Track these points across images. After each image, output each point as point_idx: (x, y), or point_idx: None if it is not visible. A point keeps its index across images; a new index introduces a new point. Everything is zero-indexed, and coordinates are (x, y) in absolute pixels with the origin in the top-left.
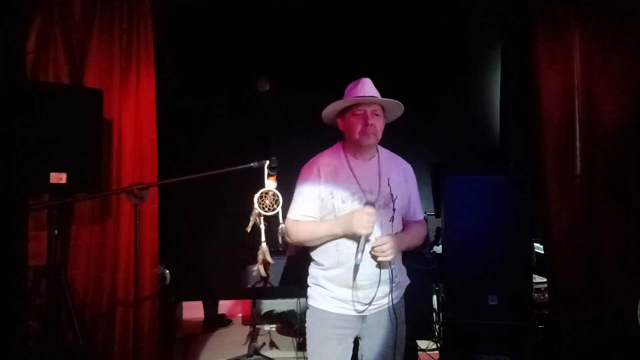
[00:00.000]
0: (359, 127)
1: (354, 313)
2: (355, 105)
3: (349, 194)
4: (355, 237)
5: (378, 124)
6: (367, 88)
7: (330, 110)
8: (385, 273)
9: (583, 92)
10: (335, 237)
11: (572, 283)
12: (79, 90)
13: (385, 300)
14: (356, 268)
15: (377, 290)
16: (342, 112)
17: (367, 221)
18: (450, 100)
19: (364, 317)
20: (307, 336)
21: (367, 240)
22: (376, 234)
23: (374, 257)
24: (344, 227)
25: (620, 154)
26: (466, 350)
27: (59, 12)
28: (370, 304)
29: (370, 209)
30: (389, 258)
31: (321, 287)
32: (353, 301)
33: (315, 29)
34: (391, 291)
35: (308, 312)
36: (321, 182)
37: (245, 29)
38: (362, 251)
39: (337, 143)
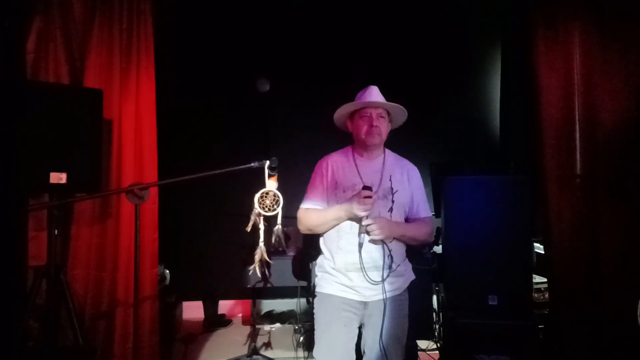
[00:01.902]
0: (365, 128)
1: (357, 297)
2: (363, 108)
3: (351, 185)
4: (356, 221)
5: (382, 126)
6: (374, 94)
7: (341, 113)
8: (381, 259)
9: (583, 92)
10: (340, 221)
11: (572, 283)
12: (79, 90)
13: (386, 287)
14: (360, 246)
15: (373, 274)
16: (352, 116)
17: (364, 202)
18: (450, 100)
19: (366, 303)
20: (315, 322)
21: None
22: None
23: (373, 242)
24: (347, 210)
25: (620, 154)
26: (466, 350)
27: (59, 12)
28: (369, 287)
29: (367, 192)
30: (378, 236)
31: (328, 274)
32: (355, 285)
33: (315, 29)
34: (384, 276)
35: (315, 300)
36: (328, 174)
37: (245, 29)
38: (365, 232)
39: (348, 146)
